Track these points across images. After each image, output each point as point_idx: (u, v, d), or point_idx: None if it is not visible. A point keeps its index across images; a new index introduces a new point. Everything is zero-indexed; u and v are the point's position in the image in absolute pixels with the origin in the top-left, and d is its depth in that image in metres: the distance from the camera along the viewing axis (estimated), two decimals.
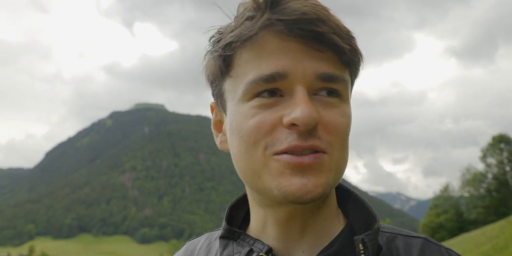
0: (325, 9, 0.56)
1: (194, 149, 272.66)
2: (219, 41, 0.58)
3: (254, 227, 0.66)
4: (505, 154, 39.38)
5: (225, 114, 0.62)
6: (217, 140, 0.66)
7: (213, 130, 0.67)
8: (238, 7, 0.59)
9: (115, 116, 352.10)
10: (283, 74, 0.54)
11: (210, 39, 0.61)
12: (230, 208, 0.71)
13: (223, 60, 0.57)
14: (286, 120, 0.53)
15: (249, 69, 0.55)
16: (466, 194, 40.82)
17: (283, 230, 0.61)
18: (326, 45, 0.54)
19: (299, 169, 0.53)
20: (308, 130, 0.53)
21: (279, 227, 0.61)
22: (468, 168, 41.55)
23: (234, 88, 0.58)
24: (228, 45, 0.56)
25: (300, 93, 0.54)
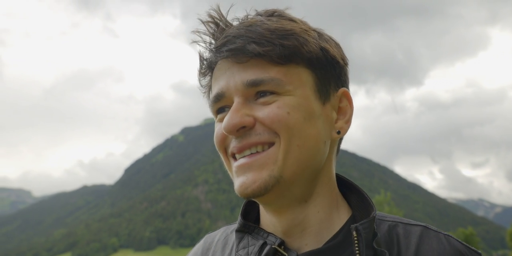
0: (251, 23, 0.66)
1: None
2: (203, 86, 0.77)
3: (266, 222, 0.73)
4: None
5: None
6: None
7: None
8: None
9: (186, 131, 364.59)
10: (222, 93, 0.67)
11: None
12: (245, 204, 0.78)
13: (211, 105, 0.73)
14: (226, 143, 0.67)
15: (211, 91, 0.72)
16: None
17: (284, 225, 0.68)
18: (247, 55, 0.64)
19: (242, 170, 0.65)
20: (238, 134, 0.64)
21: (279, 222, 0.69)
22: None
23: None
24: (207, 87, 0.74)
25: (234, 103, 0.66)
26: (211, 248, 0.81)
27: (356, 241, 0.63)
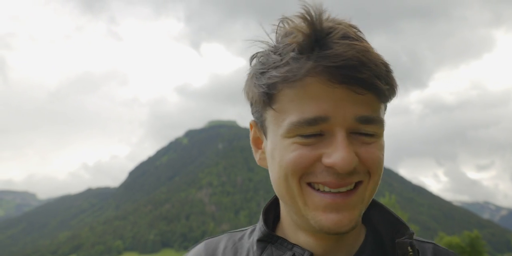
0: (367, 48, 0.59)
1: None
2: (262, 73, 0.63)
3: (287, 232, 0.70)
4: None
5: (266, 138, 0.68)
6: (257, 156, 0.72)
7: (252, 146, 0.73)
8: (279, 25, 0.64)
9: (191, 134, 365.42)
10: (325, 117, 0.59)
11: (251, 61, 0.67)
12: (264, 210, 0.75)
13: (267, 95, 0.63)
14: (326, 161, 0.59)
15: (292, 109, 0.60)
16: None
17: (319, 240, 0.67)
18: (368, 89, 0.59)
19: (334, 207, 0.60)
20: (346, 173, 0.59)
21: (315, 238, 0.67)
22: None
23: (277, 122, 0.63)
24: (273, 85, 0.61)
25: (340, 136, 0.59)
26: (217, 255, 0.77)
27: (410, 254, 0.66)
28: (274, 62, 0.61)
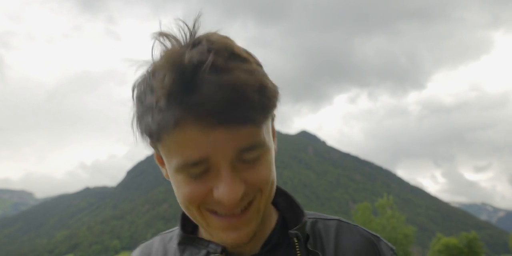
0: (236, 79, 0.59)
1: None
2: (140, 117, 0.65)
3: (204, 232, 0.77)
4: None
5: (165, 165, 0.70)
6: (163, 171, 0.74)
7: (156, 161, 0.74)
8: (155, 41, 0.65)
9: None
10: (206, 158, 0.61)
11: (133, 90, 0.67)
12: (182, 216, 0.80)
13: (150, 137, 0.65)
14: (215, 196, 0.64)
15: (175, 152, 0.63)
16: None
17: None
18: (244, 124, 0.60)
19: (232, 227, 0.66)
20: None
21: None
22: None
23: (167, 158, 0.66)
24: (152, 132, 0.63)
25: (223, 171, 0.62)
26: None
27: (297, 246, 0.72)
28: (150, 106, 0.62)
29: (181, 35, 0.64)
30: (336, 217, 0.83)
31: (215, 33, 0.65)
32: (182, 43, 0.63)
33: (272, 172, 0.68)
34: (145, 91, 0.64)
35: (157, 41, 0.64)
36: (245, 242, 0.67)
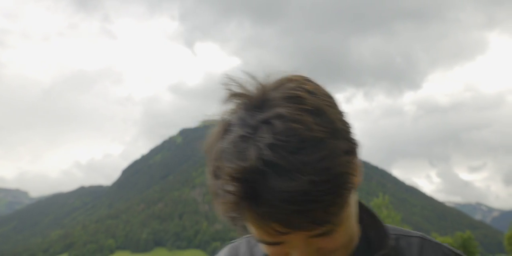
0: (300, 187, 0.59)
1: None
2: (214, 197, 0.70)
3: None
4: None
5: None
6: None
7: None
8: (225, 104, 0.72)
9: (184, 133, 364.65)
10: (280, 242, 0.67)
11: (208, 150, 0.74)
12: None
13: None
14: None
15: (252, 230, 0.69)
16: None
17: None
18: (311, 229, 0.64)
19: None
20: None
21: None
22: None
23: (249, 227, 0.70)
24: (226, 218, 0.68)
25: (299, 250, 0.67)
26: None
27: None
28: (219, 198, 0.67)
29: (252, 91, 0.67)
30: (419, 234, 0.83)
31: (287, 96, 0.64)
32: (252, 111, 0.65)
33: (348, 235, 0.71)
34: (215, 176, 0.68)
35: (229, 101, 0.70)
36: None
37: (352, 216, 0.71)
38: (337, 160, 0.61)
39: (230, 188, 0.61)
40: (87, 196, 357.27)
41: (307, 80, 0.68)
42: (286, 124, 0.60)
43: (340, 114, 0.68)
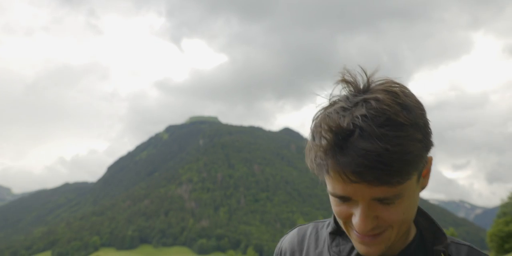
0: (382, 150, 0.78)
1: (248, 160, 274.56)
2: (309, 150, 0.88)
3: None
4: None
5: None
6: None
7: None
8: (335, 87, 0.88)
9: (171, 129, 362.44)
10: (347, 197, 0.85)
11: (314, 118, 0.88)
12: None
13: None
14: (352, 222, 0.88)
15: (328, 183, 0.88)
16: None
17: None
18: (376, 184, 0.80)
19: (364, 243, 0.88)
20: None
21: None
22: None
23: (326, 182, 0.89)
24: (312, 169, 0.88)
25: (361, 207, 0.84)
26: (306, 239, 1.05)
27: None
28: (313, 148, 0.86)
29: (359, 82, 0.86)
30: (468, 243, 0.97)
31: (385, 88, 0.84)
32: (356, 94, 0.85)
33: (405, 214, 0.86)
34: (313, 134, 0.86)
35: (339, 85, 0.87)
36: (373, 255, 0.88)
37: (412, 204, 0.87)
38: (411, 142, 0.80)
39: (326, 135, 0.81)
40: (72, 193, 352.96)
41: (406, 87, 0.86)
42: (379, 105, 0.80)
43: (424, 117, 0.86)
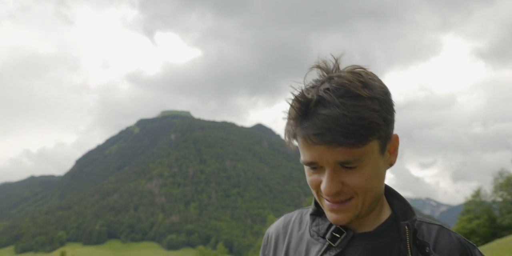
0: (340, 114, 0.88)
1: (219, 155, 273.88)
2: (286, 120, 0.98)
3: None
4: None
5: None
6: None
7: None
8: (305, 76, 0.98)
9: (142, 123, 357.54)
10: (314, 162, 0.93)
11: (290, 103, 0.97)
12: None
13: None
14: (320, 187, 0.96)
15: (300, 151, 0.97)
16: (499, 199, 39.37)
17: None
18: (337, 146, 0.88)
19: (334, 211, 0.96)
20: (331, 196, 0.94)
21: None
22: (500, 172, 40.15)
23: (300, 153, 0.98)
24: (286, 137, 0.99)
25: (327, 172, 0.93)
26: (290, 224, 1.14)
27: (407, 234, 0.97)
28: (287, 123, 0.97)
29: (330, 67, 0.97)
30: (439, 223, 1.05)
31: (350, 70, 0.95)
32: (326, 76, 0.95)
33: (368, 182, 0.93)
34: (289, 107, 0.96)
35: (311, 71, 0.97)
36: (341, 224, 0.97)
37: (376, 173, 0.95)
38: (367, 111, 0.89)
39: (294, 105, 0.93)
40: (37, 186, 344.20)
41: (371, 72, 0.98)
42: (341, 80, 0.91)
43: (385, 95, 0.95)
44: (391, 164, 1.00)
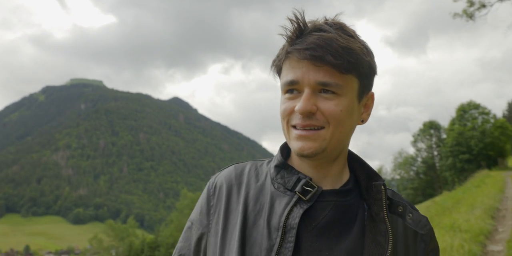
0: (330, 37, 0.92)
1: (133, 128, 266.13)
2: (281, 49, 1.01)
3: (295, 163, 1.05)
4: (434, 139, 41.83)
5: None
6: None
7: None
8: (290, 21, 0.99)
9: (49, 91, 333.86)
10: (296, 81, 0.94)
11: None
12: (281, 146, 1.10)
13: (279, 64, 1.01)
14: (295, 109, 0.94)
15: (284, 76, 0.98)
16: (397, 177, 43.20)
17: (314, 172, 1.02)
18: (322, 63, 0.91)
19: (301, 138, 0.94)
20: (305, 115, 0.93)
21: (311, 169, 1.02)
22: (400, 152, 43.99)
23: (281, 83, 1.00)
24: (277, 64, 1.01)
25: (305, 92, 0.94)
26: (244, 174, 1.09)
27: (384, 193, 0.99)
28: (282, 46, 1.00)
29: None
30: (390, 188, 1.09)
31: (334, 26, 0.96)
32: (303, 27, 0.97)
33: (342, 113, 0.94)
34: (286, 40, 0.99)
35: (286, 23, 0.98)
36: (306, 154, 0.94)
37: (349, 112, 0.96)
38: (357, 45, 0.94)
39: (291, 26, 0.95)
40: None
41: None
42: (335, 21, 0.98)
43: (367, 48, 0.99)
44: (362, 121, 1.03)
